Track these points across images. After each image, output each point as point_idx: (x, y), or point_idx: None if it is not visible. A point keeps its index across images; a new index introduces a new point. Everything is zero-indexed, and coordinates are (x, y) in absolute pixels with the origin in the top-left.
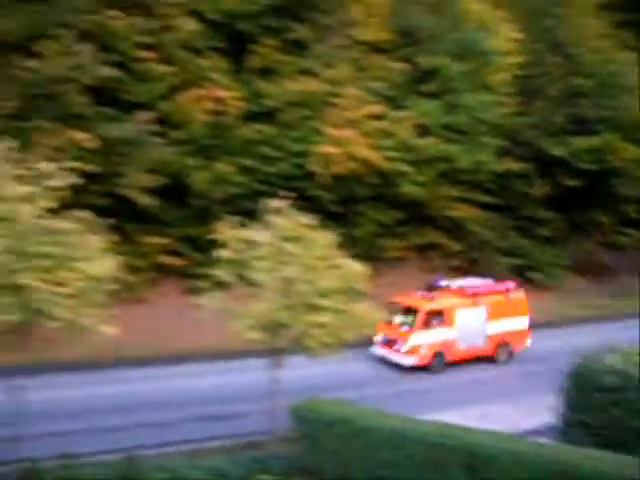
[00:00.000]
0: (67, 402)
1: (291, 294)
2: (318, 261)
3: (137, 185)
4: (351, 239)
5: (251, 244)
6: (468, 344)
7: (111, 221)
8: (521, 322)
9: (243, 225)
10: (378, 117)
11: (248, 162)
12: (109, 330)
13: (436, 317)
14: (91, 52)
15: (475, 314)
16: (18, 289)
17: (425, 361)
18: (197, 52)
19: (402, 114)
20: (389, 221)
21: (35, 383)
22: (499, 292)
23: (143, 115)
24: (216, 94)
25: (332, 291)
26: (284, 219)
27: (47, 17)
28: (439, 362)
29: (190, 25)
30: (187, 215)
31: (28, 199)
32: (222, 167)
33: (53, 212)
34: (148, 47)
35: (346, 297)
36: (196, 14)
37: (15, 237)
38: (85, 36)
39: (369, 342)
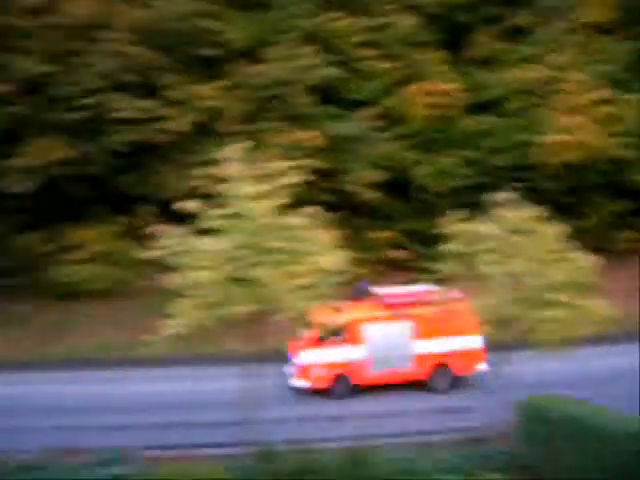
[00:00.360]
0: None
1: (520, 288)
2: (547, 254)
3: (362, 180)
4: (580, 231)
5: (477, 238)
6: (385, 366)
7: (339, 216)
8: (468, 341)
9: (469, 218)
10: (607, 102)
11: (472, 154)
12: None
13: (338, 332)
14: (314, 54)
15: (395, 329)
16: (253, 282)
17: (321, 384)
18: (416, 46)
19: (633, 97)
20: (620, 211)
21: (268, 371)
22: (434, 303)
23: (366, 112)
24: (437, 87)
25: (562, 285)
26: (512, 211)
27: (271, 24)
28: (342, 387)
29: (408, 20)
30: (411, 209)
31: (262, 197)
32: (445, 160)
33: (285, 208)
34: (368, 45)
35: (576, 291)
36: (414, 9)
37: (251, 233)
38: (308, 39)
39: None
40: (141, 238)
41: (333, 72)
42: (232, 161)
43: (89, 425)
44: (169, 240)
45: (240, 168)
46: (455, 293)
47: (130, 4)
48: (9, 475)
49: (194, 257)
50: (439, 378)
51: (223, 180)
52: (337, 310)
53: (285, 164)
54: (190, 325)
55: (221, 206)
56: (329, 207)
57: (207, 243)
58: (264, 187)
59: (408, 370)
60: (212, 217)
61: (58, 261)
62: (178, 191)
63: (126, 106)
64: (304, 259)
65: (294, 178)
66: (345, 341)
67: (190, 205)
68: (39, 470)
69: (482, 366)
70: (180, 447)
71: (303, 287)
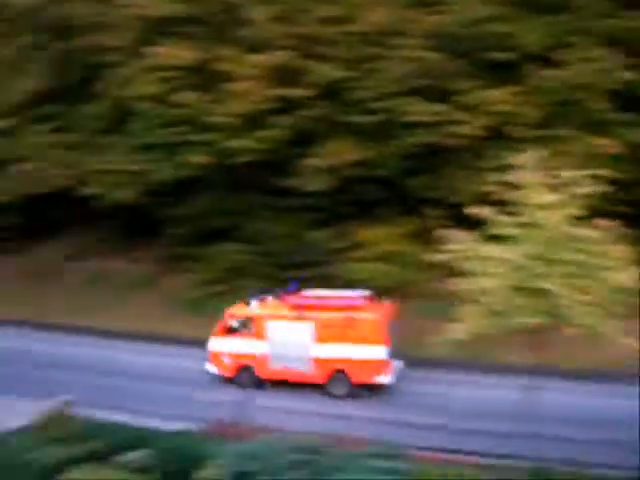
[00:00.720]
0: (577, 408)
1: None
2: None
3: None
4: None
5: None
6: (285, 364)
7: (636, 230)
8: (370, 351)
9: None
10: None
11: None
12: (630, 342)
13: (244, 325)
14: (613, 56)
15: (295, 330)
16: (542, 293)
17: (227, 372)
18: None
19: None
20: None
21: (549, 385)
22: (336, 309)
23: None
24: None
25: None
26: None
27: (567, 26)
28: (245, 377)
29: None
30: None
31: (556, 207)
32: None
33: (579, 220)
34: None
35: None
36: None
37: (542, 243)
38: (606, 40)
39: None
40: (429, 241)
41: (633, 76)
42: (525, 168)
43: (364, 415)
44: (457, 244)
45: (533, 175)
46: (360, 301)
47: (424, 10)
48: (284, 454)
49: (482, 263)
50: (337, 384)
51: (516, 187)
52: (249, 304)
53: (581, 173)
54: (473, 332)
55: (513, 214)
56: (626, 220)
57: (496, 250)
58: (558, 196)
59: (307, 371)
60: (503, 224)
61: (347, 258)
62: (469, 196)
63: (418, 110)
64: (596, 274)
65: (590, 188)
66: (252, 335)
67: (481, 210)
68: (312, 454)
69: (383, 378)
70: (448, 451)
71: (592, 302)
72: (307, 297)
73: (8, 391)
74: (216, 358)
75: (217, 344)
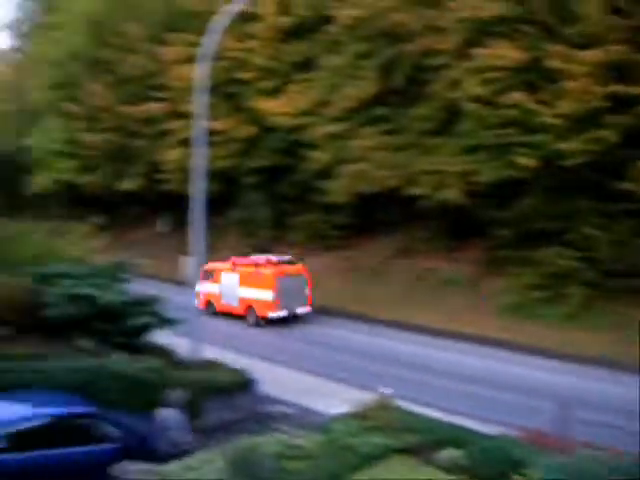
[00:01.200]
0: None
1: None
2: None
3: None
4: None
5: None
6: (227, 301)
7: None
8: (265, 294)
9: None
10: None
11: None
12: None
13: (211, 275)
14: None
15: (231, 278)
16: None
17: (202, 306)
18: None
19: None
20: None
21: None
22: (249, 265)
23: None
24: None
25: None
26: None
27: None
28: (210, 308)
29: None
30: None
31: None
32: None
33: None
34: None
35: None
36: None
37: None
38: None
39: None
40: None
41: None
42: None
43: None
44: None
45: None
46: (262, 260)
47: None
48: (601, 472)
49: None
50: (250, 315)
51: None
52: (214, 262)
53: None
54: None
55: None
56: None
57: None
58: None
59: (236, 306)
60: None
61: None
62: None
63: None
64: None
65: None
66: (214, 281)
67: None
68: (632, 476)
69: (272, 314)
70: None
71: None
72: (242, 258)
73: (330, 377)
74: (198, 296)
75: (199, 287)
